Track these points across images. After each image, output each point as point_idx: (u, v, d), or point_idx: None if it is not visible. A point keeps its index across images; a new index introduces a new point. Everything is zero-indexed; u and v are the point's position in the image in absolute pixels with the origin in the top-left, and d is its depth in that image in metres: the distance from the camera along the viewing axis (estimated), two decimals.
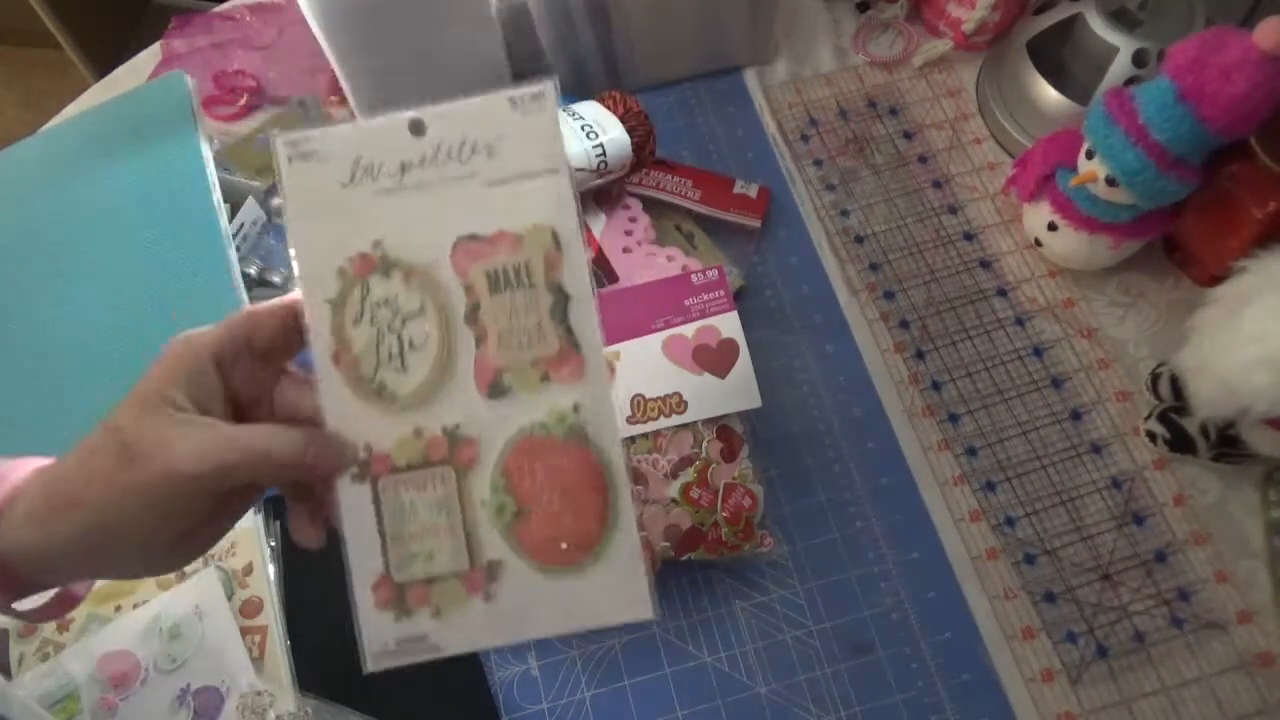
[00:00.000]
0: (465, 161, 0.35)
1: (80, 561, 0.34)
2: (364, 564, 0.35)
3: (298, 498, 0.37)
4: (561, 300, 0.35)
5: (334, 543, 0.37)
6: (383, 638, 0.35)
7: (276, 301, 0.36)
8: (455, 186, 0.35)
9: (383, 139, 0.35)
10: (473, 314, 0.35)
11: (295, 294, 0.35)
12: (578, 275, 0.35)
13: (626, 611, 0.35)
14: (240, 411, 0.36)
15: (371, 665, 0.35)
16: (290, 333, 0.35)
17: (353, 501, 0.35)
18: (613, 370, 0.58)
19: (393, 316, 0.35)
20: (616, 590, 0.35)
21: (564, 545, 0.35)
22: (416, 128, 0.35)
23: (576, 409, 0.35)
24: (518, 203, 0.35)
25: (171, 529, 0.34)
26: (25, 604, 0.36)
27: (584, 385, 0.35)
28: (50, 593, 0.37)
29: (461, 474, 0.35)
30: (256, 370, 0.36)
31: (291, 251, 0.35)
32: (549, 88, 0.35)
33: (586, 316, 0.35)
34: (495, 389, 0.35)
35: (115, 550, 0.33)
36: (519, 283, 0.35)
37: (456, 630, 0.35)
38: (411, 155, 0.35)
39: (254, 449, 0.33)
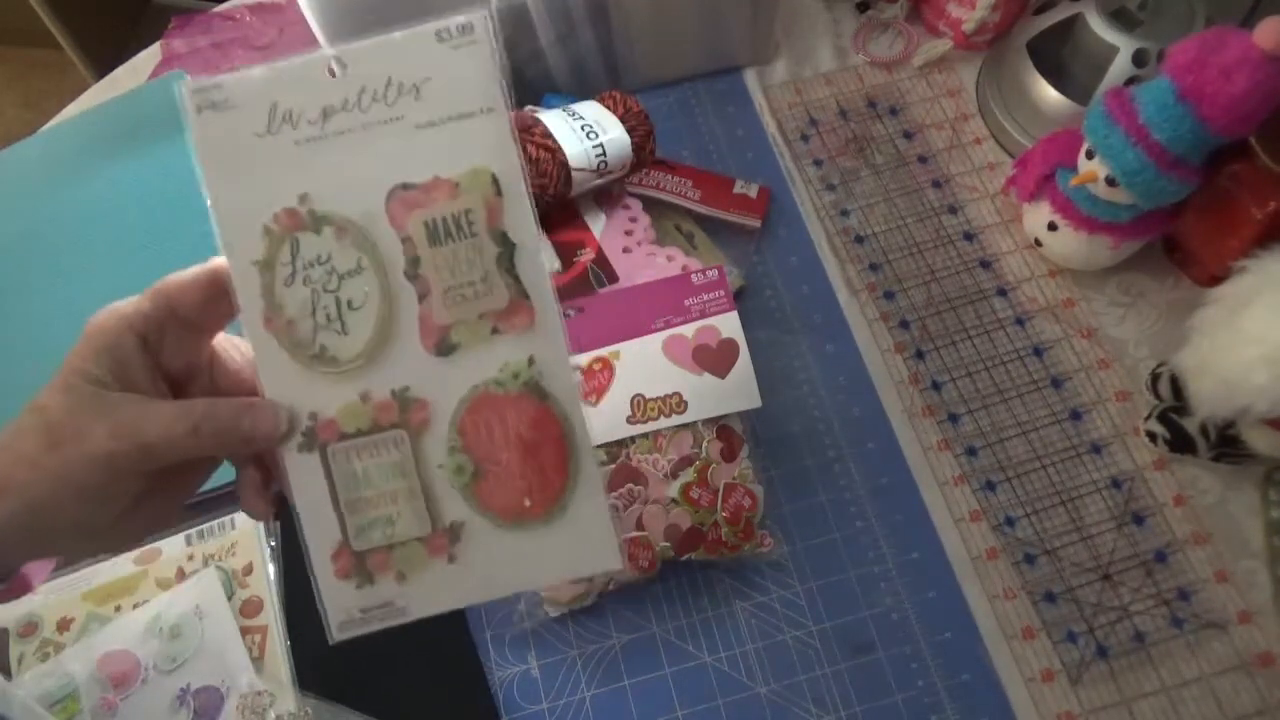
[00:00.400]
0: (392, 104, 0.32)
1: (19, 545, 0.33)
2: (320, 535, 0.34)
3: (245, 466, 0.35)
4: (507, 249, 0.33)
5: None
6: (346, 606, 0.35)
7: (198, 268, 0.34)
8: (383, 131, 0.32)
9: (301, 82, 0.32)
10: (413, 268, 0.33)
11: (218, 258, 0.33)
12: (522, 221, 0.33)
13: (595, 563, 0.34)
14: (176, 385, 0.35)
15: (337, 634, 0.35)
16: (217, 300, 0.34)
17: (302, 472, 0.34)
18: (612, 370, 0.58)
19: (327, 276, 0.33)
20: (583, 542, 0.34)
21: (527, 501, 0.34)
22: (336, 67, 0.32)
23: (531, 362, 0.33)
24: (452, 146, 0.32)
25: (104, 511, 0.33)
26: None
27: (537, 336, 0.33)
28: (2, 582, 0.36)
29: (415, 436, 0.33)
30: (187, 341, 0.34)
31: (210, 211, 0.33)
32: (480, 18, 0.32)
33: (534, 264, 0.33)
34: (443, 346, 0.33)
35: (50, 533, 0.33)
36: (460, 233, 0.33)
37: (423, 594, 0.34)
38: (334, 99, 0.32)
39: (174, 427, 0.31)
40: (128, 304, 0.33)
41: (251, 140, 0.32)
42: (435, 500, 0.34)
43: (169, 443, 0.32)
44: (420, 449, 0.34)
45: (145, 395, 0.33)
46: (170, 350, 0.34)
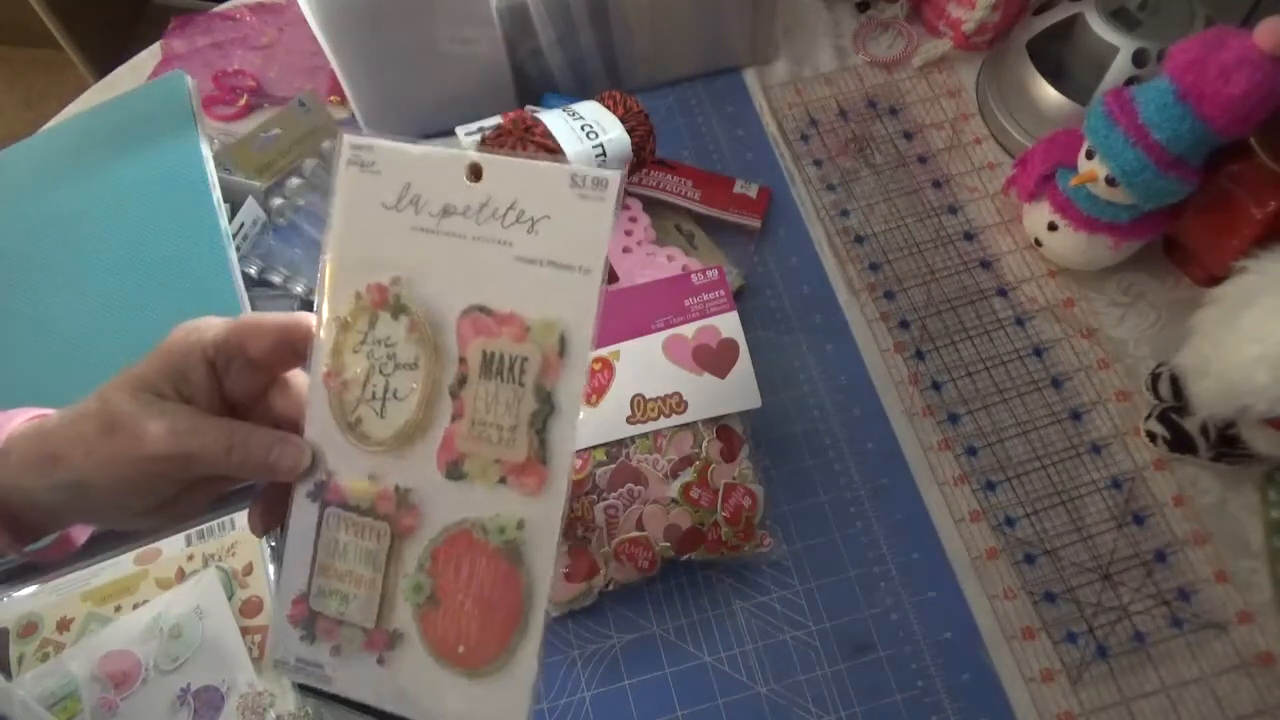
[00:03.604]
0: (507, 227, 0.33)
1: (67, 509, 0.37)
2: (293, 577, 0.36)
3: (270, 487, 0.38)
4: (545, 409, 0.33)
5: None
6: (287, 647, 0.36)
7: (282, 316, 0.36)
8: (487, 249, 0.33)
9: (438, 174, 0.33)
10: (457, 387, 0.34)
11: (299, 314, 0.36)
12: (572, 388, 0.33)
13: None
14: (236, 411, 0.37)
15: (271, 667, 0.36)
16: (285, 349, 0.36)
17: (301, 516, 0.35)
18: (612, 370, 0.58)
19: (387, 358, 0.34)
20: (494, 712, 0.33)
21: (461, 649, 0.34)
22: (474, 172, 0.33)
23: (520, 526, 0.33)
24: (541, 289, 0.33)
25: (142, 500, 0.36)
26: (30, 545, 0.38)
27: (538, 503, 0.33)
28: (52, 536, 0.40)
29: (397, 538, 0.34)
30: (251, 375, 0.37)
31: (325, 256, 0.34)
32: (615, 178, 0.32)
33: (565, 434, 0.33)
34: (453, 471, 0.34)
35: (93, 506, 0.36)
36: (510, 375, 0.33)
37: (347, 676, 0.35)
38: (457, 200, 0.33)
39: (217, 443, 0.35)
40: (206, 327, 0.36)
41: (378, 209, 0.34)
42: (388, 602, 0.34)
43: (207, 455, 0.35)
44: (396, 551, 0.34)
45: (201, 410, 0.36)
46: (234, 378, 0.37)
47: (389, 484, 0.34)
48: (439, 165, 0.33)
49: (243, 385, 0.37)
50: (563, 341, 0.33)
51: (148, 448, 0.34)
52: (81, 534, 0.43)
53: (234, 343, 0.36)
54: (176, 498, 0.37)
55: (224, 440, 0.35)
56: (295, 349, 0.36)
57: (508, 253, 0.33)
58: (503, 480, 0.33)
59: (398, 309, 0.34)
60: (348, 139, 0.34)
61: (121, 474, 0.34)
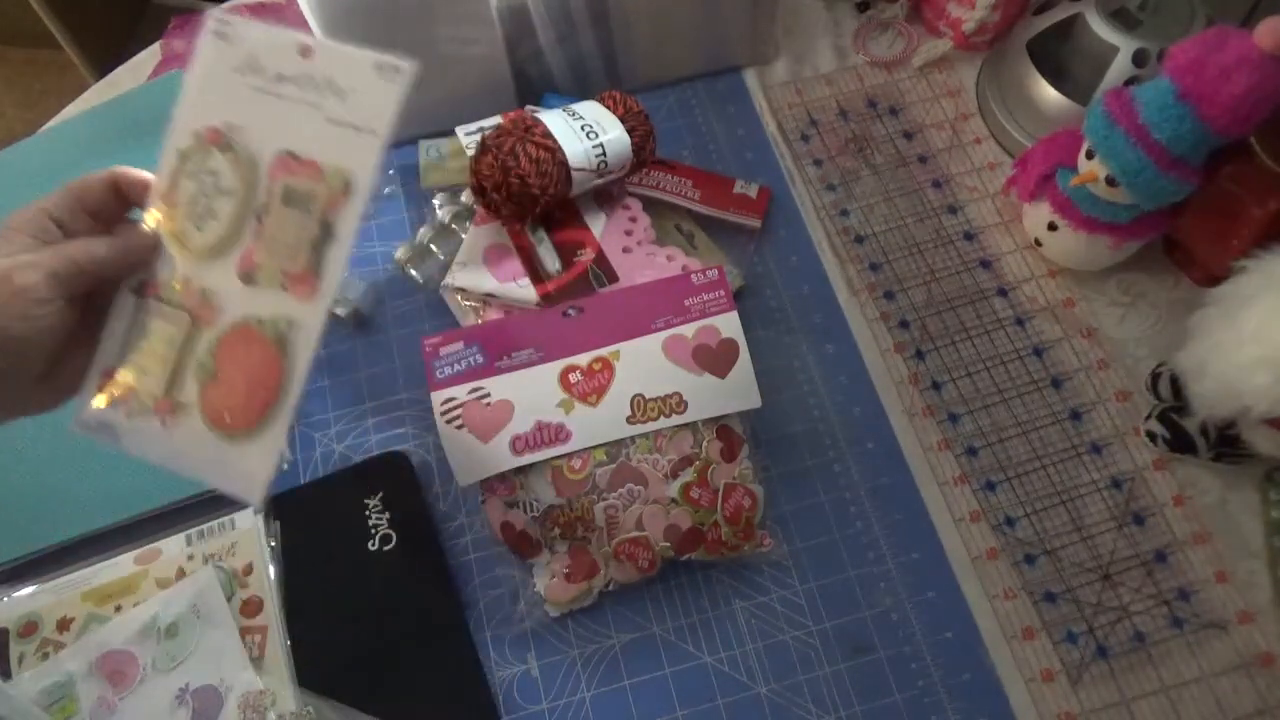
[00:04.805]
0: (321, 94, 0.41)
1: None
2: (106, 353, 0.43)
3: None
4: (325, 235, 0.41)
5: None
6: (90, 412, 0.43)
7: (102, 171, 0.42)
8: (304, 110, 0.41)
9: (277, 49, 0.41)
10: (263, 212, 0.41)
11: (120, 166, 0.43)
12: (349, 222, 0.40)
13: (243, 488, 0.42)
14: None
15: (75, 427, 0.43)
16: (115, 196, 0.42)
17: (123, 305, 0.43)
18: (612, 370, 0.58)
19: (213, 186, 0.42)
20: (245, 468, 0.42)
21: (227, 417, 0.42)
22: (305, 52, 0.41)
23: (290, 324, 0.41)
24: (338, 144, 0.40)
25: (24, 355, 0.39)
26: None
27: (307, 306, 0.41)
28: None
29: (195, 327, 0.42)
30: (92, 227, 0.42)
31: (185, 89, 0.42)
32: (408, 68, 0.39)
33: (338, 257, 0.41)
34: (247, 277, 0.42)
35: None
36: (303, 205, 0.41)
37: (133, 436, 0.43)
38: (288, 70, 0.41)
39: (80, 250, 0.40)
40: (41, 199, 0.41)
41: (227, 71, 0.42)
42: (178, 378, 0.42)
43: (77, 264, 0.39)
44: (192, 337, 0.42)
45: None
46: (79, 232, 0.42)
47: (196, 285, 0.42)
48: (279, 42, 0.41)
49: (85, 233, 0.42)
50: (347, 185, 0.40)
51: (21, 276, 0.38)
52: None
53: (71, 197, 0.41)
54: (57, 360, 0.40)
55: (101, 239, 0.40)
56: (122, 195, 0.42)
57: (319, 114, 0.41)
58: (283, 287, 0.41)
59: (225, 147, 0.42)
60: (214, 12, 0.42)
61: (5, 326, 0.37)
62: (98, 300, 0.42)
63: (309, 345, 0.41)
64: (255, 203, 0.41)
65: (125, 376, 0.43)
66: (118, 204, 0.43)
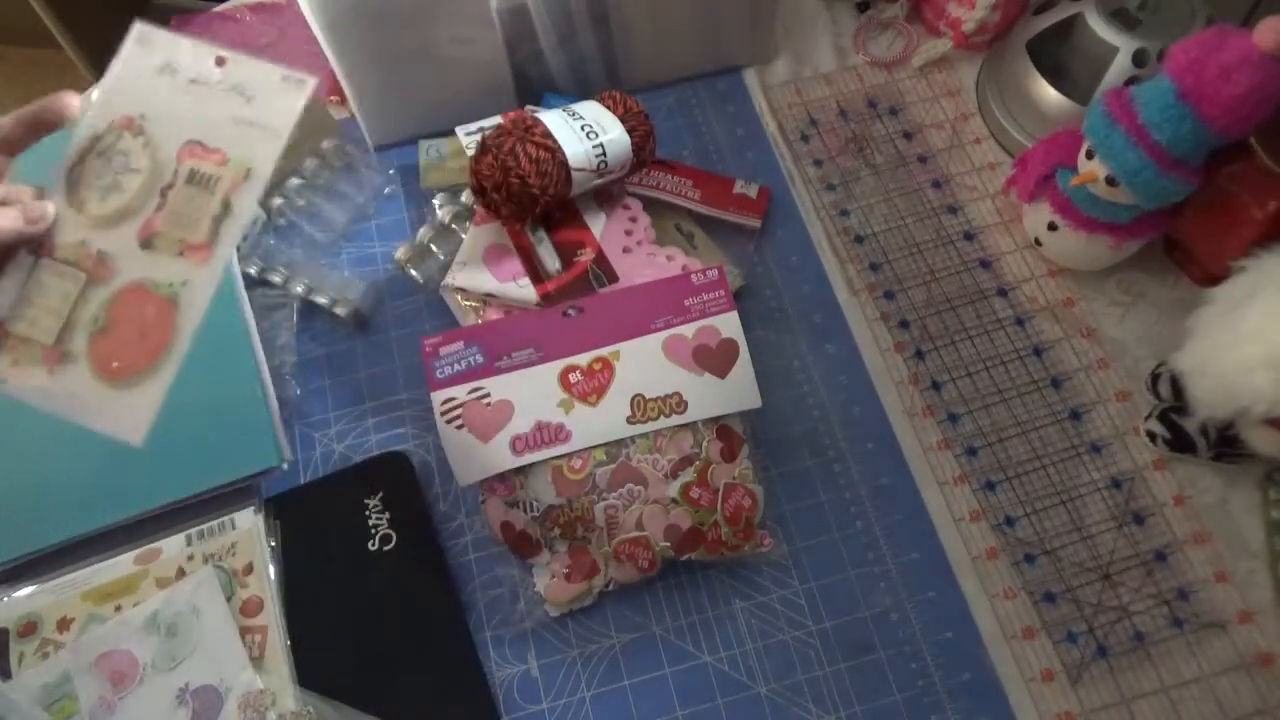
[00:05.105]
0: (231, 97, 0.46)
1: None
2: (1, 306, 0.46)
3: None
4: (225, 212, 0.46)
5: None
6: None
7: (34, 104, 0.46)
8: (216, 109, 0.46)
9: (194, 57, 0.46)
10: (167, 189, 0.46)
11: (45, 103, 0.46)
12: (247, 204, 0.46)
13: (126, 431, 0.45)
14: None
15: None
16: (29, 132, 0.45)
17: (20, 263, 0.46)
18: (612, 370, 0.58)
19: (122, 164, 0.46)
20: (129, 413, 0.45)
21: (115, 364, 0.45)
22: (220, 61, 0.46)
23: (185, 284, 0.45)
24: (242, 139, 0.46)
25: None
26: None
27: (201, 270, 0.45)
28: None
29: (90, 284, 0.46)
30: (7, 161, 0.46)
31: (104, 83, 0.46)
32: (311, 82, 0.45)
33: (233, 231, 0.46)
34: (146, 243, 0.46)
35: None
36: (206, 185, 0.46)
37: (20, 380, 0.45)
38: (202, 76, 0.46)
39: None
40: None
41: (148, 71, 0.46)
42: (69, 329, 0.45)
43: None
44: (86, 294, 0.46)
45: None
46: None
47: (94, 248, 0.46)
48: (197, 52, 0.46)
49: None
50: (249, 172, 0.46)
51: None
52: None
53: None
54: None
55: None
56: (39, 129, 0.45)
57: (228, 113, 0.46)
58: (180, 254, 0.46)
59: (138, 132, 0.46)
60: (139, 25, 0.46)
61: None
62: None
63: (202, 301, 0.46)
64: (161, 181, 0.46)
65: (17, 328, 0.46)
66: (26, 139, 0.46)
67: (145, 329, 0.45)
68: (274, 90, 0.46)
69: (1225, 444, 0.58)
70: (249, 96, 0.46)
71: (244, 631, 0.55)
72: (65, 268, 0.46)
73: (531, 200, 0.60)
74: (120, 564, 0.58)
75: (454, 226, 0.68)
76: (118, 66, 0.47)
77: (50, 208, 0.46)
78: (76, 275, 0.46)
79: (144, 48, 0.47)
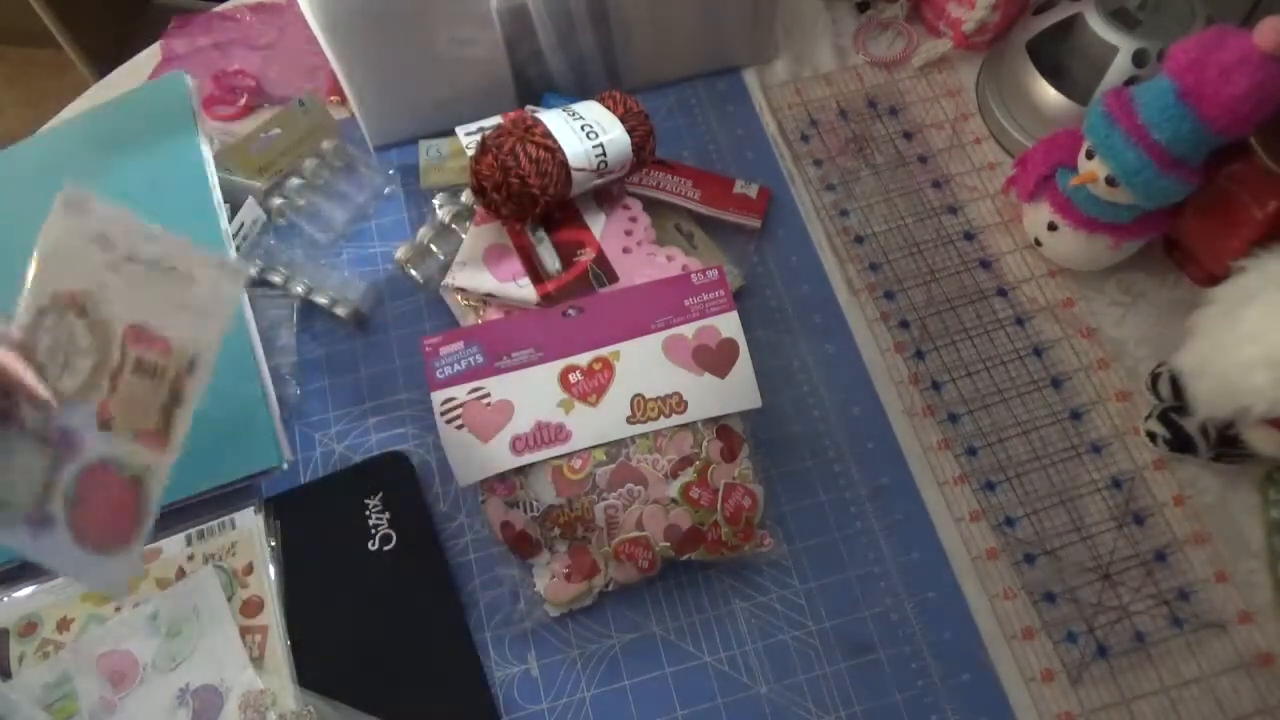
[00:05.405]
0: (169, 279, 0.46)
1: None
2: None
3: None
4: (174, 401, 0.46)
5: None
6: None
7: None
8: (155, 289, 0.46)
9: (128, 232, 0.46)
10: (117, 373, 0.46)
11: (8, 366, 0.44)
12: (195, 390, 0.47)
13: (110, 588, 0.51)
14: None
15: None
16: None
17: None
18: (612, 370, 0.58)
19: (69, 342, 0.45)
20: (111, 575, 0.47)
21: (91, 536, 0.45)
22: (152, 239, 0.46)
23: (145, 470, 0.46)
24: (184, 328, 0.46)
25: None
26: None
27: (159, 457, 0.46)
28: None
29: (59, 460, 0.45)
30: None
31: (39, 250, 0.44)
32: (245, 268, 0.47)
33: (184, 417, 0.47)
34: (104, 425, 0.46)
35: None
36: (153, 375, 0.46)
37: (5, 538, 0.44)
38: (139, 253, 0.46)
39: None
40: None
41: (81, 241, 0.45)
42: (49, 494, 0.45)
43: None
44: (56, 467, 0.45)
45: None
46: None
47: (59, 423, 0.45)
48: (129, 225, 0.46)
49: None
50: (193, 363, 0.47)
51: None
52: None
53: None
54: None
55: None
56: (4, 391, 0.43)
57: (168, 297, 0.46)
58: (135, 438, 0.46)
59: (81, 313, 0.45)
60: (68, 188, 0.45)
61: None
62: None
63: (160, 484, 0.47)
64: (110, 364, 0.45)
65: None
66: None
67: (114, 506, 0.46)
68: (210, 276, 0.46)
69: (1225, 444, 0.58)
70: (186, 280, 0.46)
71: (244, 631, 0.55)
72: (37, 444, 0.45)
73: (531, 200, 0.60)
74: None
75: (454, 226, 0.68)
76: (51, 233, 0.45)
77: (17, 375, 0.44)
78: (47, 450, 0.45)
79: (76, 215, 0.45)
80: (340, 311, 0.66)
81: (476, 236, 0.65)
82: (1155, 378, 0.62)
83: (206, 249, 0.46)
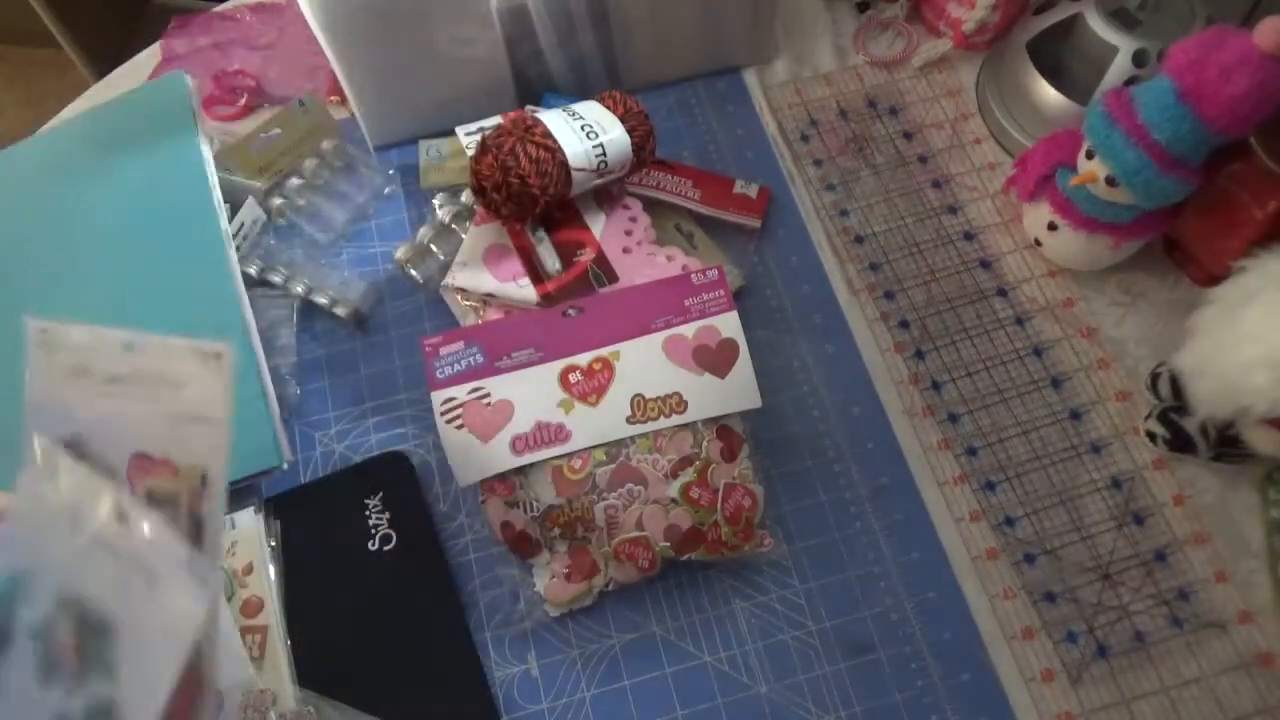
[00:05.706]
0: (155, 390, 0.42)
1: None
2: None
3: None
4: (196, 526, 0.42)
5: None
6: None
7: None
8: (145, 407, 0.42)
9: (102, 349, 0.42)
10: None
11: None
12: (214, 507, 0.42)
13: None
14: None
15: None
16: None
17: None
18: (612, 370, 0.58)
19: (79, 489, 0.41)
20: None
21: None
22: (128, 347, 0.42)
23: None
24: (186, 439, 0.42)
25: None
26: None
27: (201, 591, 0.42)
28: None
29: None
30: None
31: (27, 402, 0.42)
32: (228, 351, 0.41)
33: (215, 540, 0.43)
34: None
35: None
36: (169, 505, 0.42)
37: None
38: (119, 369, 0.42)
39: None
40: None
41: (60, 380, 0.42)
42: None
43: None
44: None
45: None
46: None
47: None
48: (102, 341, 0.42)
49: None
50: (204, 478, 0.42)
51: None
52: None
53: None
54: None
55: None
56: None
57: (160, 410, 0.42)
58: None
59: (81, 455, 0.42)
60: (35, 324, 0.42)
61: None
62: None
63: (214, 647, 0.44)
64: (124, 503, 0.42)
65: None
66: None
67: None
68: (193, 371, 0.42)
69: (1225, 444, 0.58)
70: (173, 384, 0.42)
71: (244, 631, 0.55)
72: None
73: (531, 200, 0.60)
74: None
75: (454, 226, 0.68)
76: (31, 381, 0.42)
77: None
78: None
79: (47, 351, 0.42)
80: (340, 311, 0.66)
81: (476, 236, 0.65)
82: (1155, 378, 0.62)
83: (186, 340, 0.41)
